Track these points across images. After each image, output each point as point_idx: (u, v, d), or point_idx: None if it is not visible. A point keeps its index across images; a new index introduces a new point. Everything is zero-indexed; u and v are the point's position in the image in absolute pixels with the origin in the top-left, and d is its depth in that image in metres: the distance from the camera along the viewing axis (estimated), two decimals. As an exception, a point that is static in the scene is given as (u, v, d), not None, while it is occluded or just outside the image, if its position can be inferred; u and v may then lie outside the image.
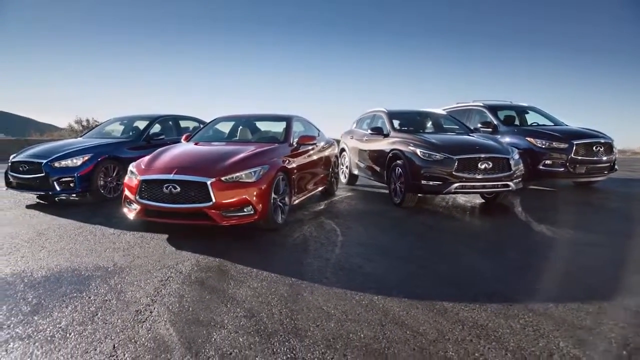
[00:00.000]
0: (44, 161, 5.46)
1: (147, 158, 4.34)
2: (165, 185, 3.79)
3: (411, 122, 6.85)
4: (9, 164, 5.80)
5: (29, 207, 5.49)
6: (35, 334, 2.14)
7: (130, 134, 6.80)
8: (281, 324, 2.24)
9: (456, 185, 4.99)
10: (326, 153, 6.08)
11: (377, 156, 6.29)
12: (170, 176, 3.80)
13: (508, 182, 5.09)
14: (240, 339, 2.08)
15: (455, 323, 2.25)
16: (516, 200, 6.01)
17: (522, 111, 8.19)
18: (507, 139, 6.88)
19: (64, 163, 5.49)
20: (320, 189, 5.92)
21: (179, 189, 3.75)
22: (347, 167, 7.89)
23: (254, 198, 3.81)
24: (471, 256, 3.49)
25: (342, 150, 7.98)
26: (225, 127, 5.97)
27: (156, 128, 6.97)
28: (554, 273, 3.10)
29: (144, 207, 3.89)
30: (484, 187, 5.13)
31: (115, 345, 2.02)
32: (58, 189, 5.44)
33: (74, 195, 5.72)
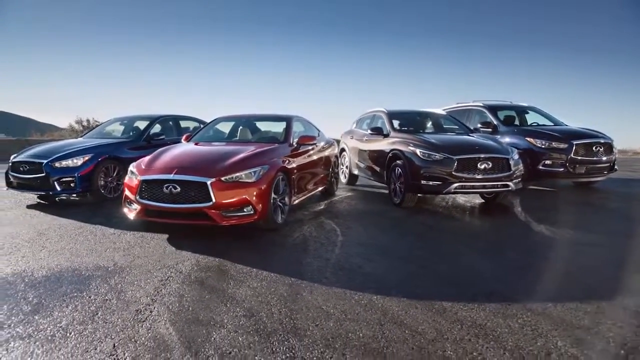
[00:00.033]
0: (45, 161, 5.47)
1: (147, 158, 4.36)
2: (166, 185, 3.80)
3: (411, 122, 6.86)
4: (10, 164, 5.81)
5: (29, 207, 5.50)
6: (35, 333, 2.15)
7: (131, 134, 6.82)
8: (280, 324, 2.25)
9: (456, 185, 5.00)
10: (326, 153, 6.09)
11: (377, 156, 6.30)
12: (171, 176, 3.81)
13: (508, 182, 5.10)
14: (240, 338, 2.09)
15: (454, 322, 2.26)
16: (516, 200, 6.02)
17: (522, 111, 8.20)
18: (507, 139, 6.89)
19: (64, 163, 5.51)
20: (320, 189, 5.93)
21: (179, 189, 3.76)
22: (347, 167, 7.90)
23: (254, 198, 3.82)
24: (471, 256, 3.50)
25: (342, 150, 8.00)
26: (226, 127, 5.98)
27: (156, 128, 6.98)
28: (552, 273, 3.11)
29: (144, 207, 3.90)
30: (483, 187, 5.14)
31: (116, 345, 2.03)
32: (58, 189, 5.45)
33: (75, 195, 5.74)
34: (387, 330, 2.18)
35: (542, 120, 8.00)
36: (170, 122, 7.41)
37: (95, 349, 2.00)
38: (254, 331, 2.17)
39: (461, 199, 6.24)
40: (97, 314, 2.36)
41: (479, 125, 7.49)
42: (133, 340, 2.08)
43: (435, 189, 5.12)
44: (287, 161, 4.56)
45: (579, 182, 7.38)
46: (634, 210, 5.65)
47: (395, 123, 6.56)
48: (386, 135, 6.19)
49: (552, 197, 6.70)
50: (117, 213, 4.67)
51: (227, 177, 3.80)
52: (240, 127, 5.69)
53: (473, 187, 5.11)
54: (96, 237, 3.96)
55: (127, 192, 4.10)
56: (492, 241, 4.07)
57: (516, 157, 5.33)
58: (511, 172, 5.12)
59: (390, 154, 5.78)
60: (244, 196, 3.79)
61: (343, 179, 7.99)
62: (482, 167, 5.04)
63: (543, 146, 6.66)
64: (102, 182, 5.75)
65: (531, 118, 8.21)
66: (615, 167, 6.94)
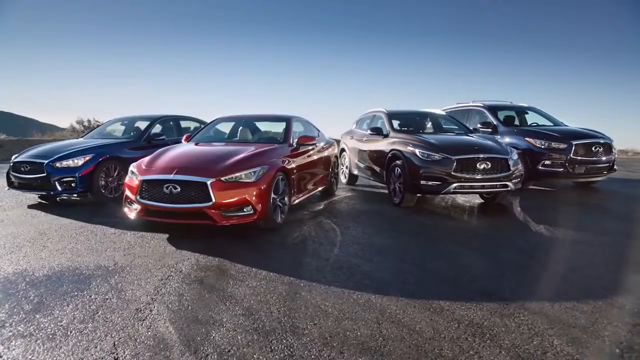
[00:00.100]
0: (46, 161, 5.50)
1: (147, 158, 4.38)
2: (166, 185, 3.82)
3: (410, 122, 6.88)
4: (11, 164, 5.84)
5: (30, 207, 5.53)
6: (36, 331, 2.17)
7: (131, 134, 6.84)
8: (279, 322, 2.27)
9: (455, 185, 5.02)
10: (326, 153, 6.11)
11: (377, 156, 6.32)
12: (171, 176, 3.83)
13: (507, 183, 5.12)
14: (239, 337, 2.11)
15: (451, 321, 2.28)
16: (515, 200, 6.03)
17: (521, 111, 8.22)
18: (506, 140, 6.91)
19: (65, 163, 5.53)
20: (320, 189, 5.95)
21: (179, 189, 3.79)
22: (347, 167, 7.92)
23: (254, 198, 3.84)
24: (469, 256, 3.51)
25: (342, 150, 8.02)
26: (226, 128, 6.01)
27: (157, 128, 7.00)
28: (550, 272, 3.13)
29: (144, 207, 3.93)
30: (482, 187, 5.15)
31: (116, 343, 2.06)
32: (59, 189, 5.48)
33: (75, 195, 5.77)
34: (384, 329, 2.20)
35: (542, 121, 8.02)
36: (171, 123, 7.43)
37: (96, 347, 2.02)
38: (253, 330, 2.19)
39: (461, 199, 6.26)
40: (97, 312, 2.38)
41: (479, 126, 7.50)
42: (133, 338, 2.10)
43: (434, 189, 5.13)
44: (286, 161, 4.58)
45: (578, 182, 7.39)
46: (632, 211, 5.66)
47: (395, 123, 6.58)
48: (386, 136, 6.21)
49: (552, 197, 6.71)
50: (118, 213, 4.69)
51: (226, 177, 3.82)
52: (240, 128, 5.71)
53: (472, 187, 5.13)
54: (97, 237, 3.99)
55: (127, 192, 4.13)
56: (490, 241, 4.08)
57: (515, 157, 5.35)
58: (510, 172, 5.13)
59: (389, 154, 5.80)
60: (243, 196, 3.81)
61: (343, 179, 8.01)
62: (481, 167, 5.06)
63: (543, 146, 6.67)
64: (103, 182, 5.77)
65: (531, 118, 8.22)
66: (615, 167, 6.95)
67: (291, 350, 2.00)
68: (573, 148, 6.54)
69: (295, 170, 4.76)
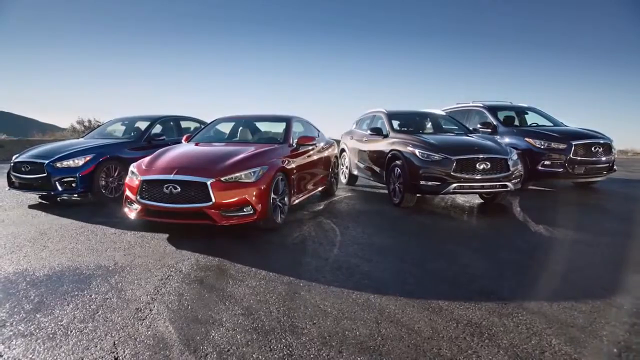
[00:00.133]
0: (46, 161, 5.51)
1: (148, 158, 4.39)
2: (166, 185, 3.83)
3: (410, 122, 6.89)
4: (12, 164, 5.86)
5: (31, 207, 5.54)
6: (37, 331, 2.18)
7: (132, 134, 6.85)
8: (278, 322, 2.28)
9: (454, 185, 5.03)
10: (326, 154, 6.12)
11: (377, 157, 6.33)
12: (171, 176, 3.85)
13: (506, 183, 5.13)
14: (238, 336, 2.12)
15: (449, 321, 2.29)
16: (515, 200, 6.04)
17: (521, 112, 8.23)
18: (506, 140, 6.92)
19: (65, 163, 5.55)
20: (320, 189, 5.96)
21: (179, 189, 3.80)
22: (347, 167, 7.93)
23: (254, 198, 3.86)
24: (469, 256, 3.52)
25: (342, 150, 8.03)
26: (226, 128, 6.02)
27: (157, 129, 7.01)
28: (549, 273, 3.13)
29: (144, 207, 3.94)
30: (482, 187, 5.16)
31: (116, 342, 2.07)
32: (60, 189, 5.49)
33: (76, 195, 5.78)
34: (383, 328, 2.21)
35: (542, 121, 8.02)
36: (171, 123, 7.45)
37: (96, 346, 2.03)
38: (252, 329, 2.20)
39: (460, 199, 6.27)
40: (97, 312, 2.39)
41: (479, 126, 7.52)
42: (133, 338, 2.11)
43: (434, 189, 5.14)
44: (286, 162, 4.59)
45: (578, 182, 7.40)
46: (631, 211, 5.66)
47: (395, 123, 6.59)
48: (385, 136, 6.22)
49: (551, 197, 6.72)
50: (118, 213, 4.71)
51: (226, 178, 3.83)
52: (240, 128, 5.73)
53: (472, 187, 5.13)
54: (97, 237, 4.00)
55: (127, 192, 4.14)
56: (490, 241, 4.09)
57: (515, 157, 5.36)
58: (510, 172, 5.14)
59: (389, 155, 5.81)
60: (243, 196, 3.82)
61: (343, 179, 8.02)
62: (481, 167, 5.06)
63: (542, 147, 6.68)
64: (103, 183, 5.78)
65: (531, 119, 8.23)
66: (615, 167, 6.95)
67: (290, 349, 2.01)
68: (573, 148, 6.55)
69: (295, 171, 4.77)
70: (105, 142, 6.28)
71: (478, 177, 5.05)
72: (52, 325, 2.24)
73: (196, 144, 5.12)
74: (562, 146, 6.60)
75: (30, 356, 1.95)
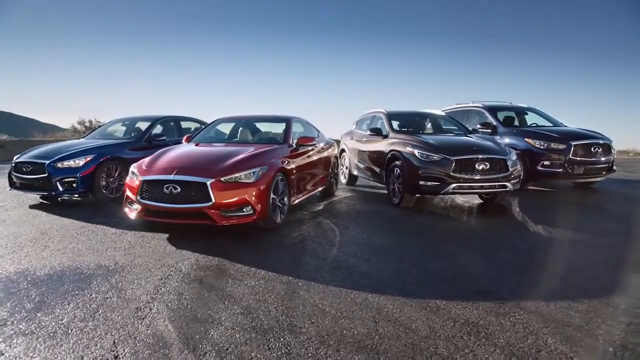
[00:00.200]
0: (47, 162, 5.54)
1: (148, 159, 4.41)
2: (166, 185, 3.85)
3: (410, 123, 6.90)
4: (13, 164, 5.88)
5: (32, 207, 5.57)
6: (38, 330, 2.20)
7: (132, 135, 6.88)
8: (277, 321, 2.30)
9: (454, 185, 5.04)
10: (325, 154, 6.13)
11: (376, 157, 6.34)
12: (171, 177, 3.87)
13: (505, 183, 5.14)
14: (237, 335, 2.14)
15: (447, 320, 2.30)
16: (514, 200, 6.05)
17: (521, 112, 8.24)
18: (506, 140, 6.94)
19: (66, 164, 5.57)
20: (319, 189, 5.98)
21: (179, 189, 3.82)
22: (346, 167, 7.94)
23: (253, 198, 3.87)
24: (467, 256, 3.53)
25: (342, 151, 8.05)
26: (226, 128, 6.04)
27: (158, 129, 7.03)
28: (548, 273, 3.15)
29: (144, 207, 3.96)
30: (481, 187, 5.17)
31: (116, 341, 2.09)
32: (61, 189, 5.52)
33: (77, 195, 5.80)
34: (381, 327, 2.23)
35: (542, 121, 8.04)
36: (172, 123, 7.47)
37: (96, 345, 2.05)
38: (251, 328, 2.21)
39: (460, 199, 6.28)
40: (98, 311, 2.41)
41: (479, 126, 7.53)
42: (133, 337, 2.13)
43: (433, 189, 5.15)
44: (286, 162, 4.61)
45: (577, 182, 7.41)
46: (631, 211, 5.67)
47: (395, 124, 6.60)
48: (385, 136, 6.23)
49: (551, 197, 6.73)
50: (118, 213, 4.73)
51: (226, 178, 3.85)
52: (240, 128, 5.75)
53: (471, 187, 5.15)
54: (97, 237, 4.02)
55: (128, 193, 4.16)
56: (488, 241, 4.10)
57: (514, 157, 5.37)
58: (509, 172, 5.15)
59: (389, 155, 5.83)
60: (243, 196, 3.84)
61: (343, 179, 8.04)
62: (480, 167, 5.08)
63: (542, 147, 6.69)
64: (104, 183, 5.81)
65: (530, 119, 8.24)
66: (614, 167, 6.96)
67: (288, 348, 2.02)
68: (572, 149, 6.56)
69: (294, 171, 4.79)
70: (106, 143, 6.31)
71: (477, 177, 5.07)
72: (53, 324, 2.26)
73: (196, 144, 5.15)
74: (561, 146, 6.61)
75: (31, 354, 1.97)
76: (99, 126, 8.55)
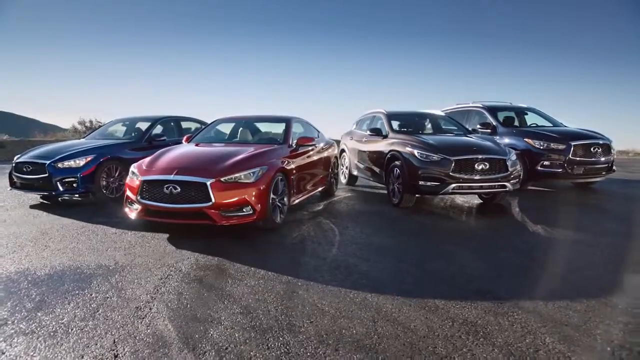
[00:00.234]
0: (48, 162, 5.55)
1: (148, 159, 4.43)
2: (166, 185, 3.87)
3: (410, 123, 6.91)
4: (13, 164, 5.90)
5: (32, 207, 5.58)
6: (38, 329, 2.21)
7: (133, 135, 6.89)
8: (276, 321, 2.30)
9: (453, 186, 5.05)
10: (325, 154, 6.14)
11: (376, 157, 6.35)
12: (171, 177, 3.88)
13: (505, 183, 5.15)
14: (236, 335, 2.15)
15: (445, 320, 2.31)
16: (514, 201, 6.06)
17: (521, 112, 8.24)
18: (505, 140, 6.94)
19: (67, 164, 5.58)
20: (319, 189, 5.99)
21: (179, 189, 3.83)
22: (346, 167, 7.95)
23: (253, 198, 3.88)
24: (467, 256, 3.54)
25: (342, 151, 8.05)
26: (226, 129, 6.05)
27: (158, 129, 7.04)
28: (547, 273, 3.16)
29: (145, 207, 3.97)
30: (481, 187, 5.18)
31: (116, 340, 2.10)
32: (61, 189, 5.53)
33: (77, 195, 5.81)
34: (380, 327, 2.24)
35: (541, 122, 8.04)
36: (172, 123, 7.48)
37: (96, 344, 2.06)
38: (251, 328, 2.22)
39: (459, 199, 6.29)
40: (98, 311, 2.42)
41: (478, 126, 7.54)
42: (133, 336, 2.14)
43: (432, 189, 5.16)
44: (286, 162, 4.62)
45: (577, 182, 7.41)
46: (631, 211, 5.67)
47: (395, 124, 6.61)
48: (385, 137, 6.24)
49: (551, 197, 6.73)
50: (119, 213, 4.74)
51: (226, 178, 3.86)
52: (240, 129, 5.76)
53: (470, 187, 5.15)
54: (98, 237, 4.03)
55: (128, 193, 4.17)
56: (487, 241, 4.11)
57: (513, 158, 5.38)
58: (508, 172, 5.16)
59: (388, 155, 5.84)
60: (243, 196, 3.85)
61: (343, 179, 8.05)
62: (480, 167, 5.09)
63: (541, 147, 6.70)
64: (104, 183, 5.82)
65: (530, 119, 8.24)
66: (614, 167, 6.97)
67: (287, 347, 2.03)
68: (572, 149, 6.57)
69: (294, 171, 4.79)
70: (106, 143, 6.32)
71: (477, 177, 5.08)
72: (53, 323, 2.27)
73: (196, 145, 5.16)
74: (561, 147, 6.62)
75: (32, 354, 1.98)
76: (99, 126, 8.56)
